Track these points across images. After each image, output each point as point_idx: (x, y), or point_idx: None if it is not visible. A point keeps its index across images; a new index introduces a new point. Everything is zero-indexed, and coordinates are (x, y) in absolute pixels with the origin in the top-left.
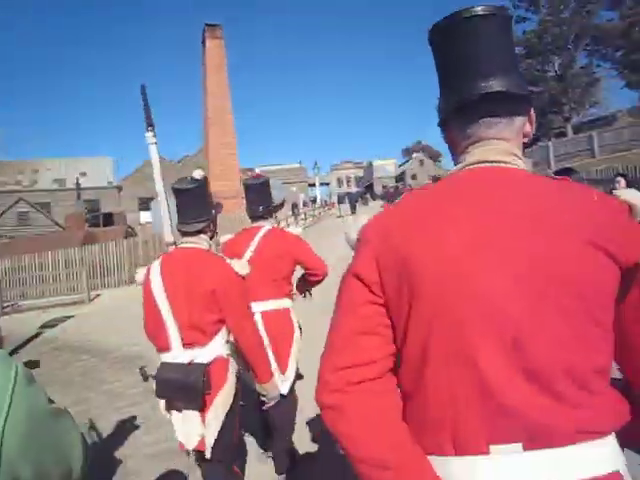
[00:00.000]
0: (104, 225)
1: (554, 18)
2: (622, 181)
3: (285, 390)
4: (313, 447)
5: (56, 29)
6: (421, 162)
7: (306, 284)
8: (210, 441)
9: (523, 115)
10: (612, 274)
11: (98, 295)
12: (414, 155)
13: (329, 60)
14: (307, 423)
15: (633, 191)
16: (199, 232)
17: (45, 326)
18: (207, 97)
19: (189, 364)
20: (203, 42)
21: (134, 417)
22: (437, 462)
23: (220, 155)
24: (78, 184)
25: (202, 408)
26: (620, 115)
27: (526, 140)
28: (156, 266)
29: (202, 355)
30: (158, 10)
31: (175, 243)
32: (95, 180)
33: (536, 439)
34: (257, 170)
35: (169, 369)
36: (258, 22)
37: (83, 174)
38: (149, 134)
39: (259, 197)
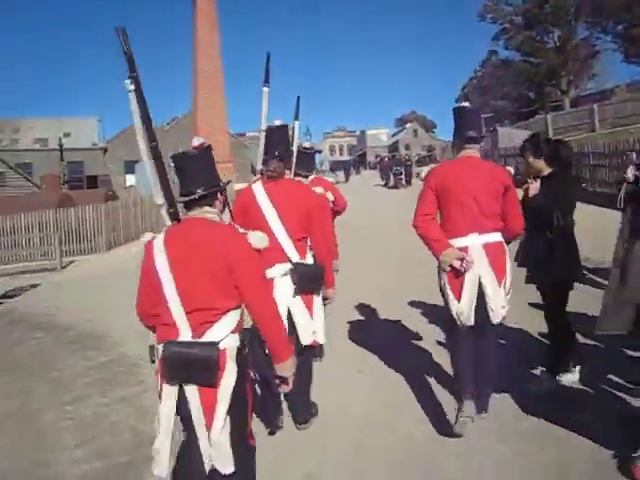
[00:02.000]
0: (88, 188)
1: None
2: (633, 155)
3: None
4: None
5: None
6: (415, 132)
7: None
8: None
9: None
10: (502, 188)
11: (72, 262)
12: (408, 125)
13: (324, 24)
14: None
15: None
16: (207, 203)
17: (5, 296)
18: (197, 56)
19: (199, 342)
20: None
21: (72, 420)
22: (451, 240)
23: (208, 118)
24: (61, 145)
25: (214, 384)
26: (618, 90)
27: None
28: (160, 240)
29: (211, 336)
30: None
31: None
32: (79, 141)
33: (482, 231)
34: (248, 134)
35: (179, 345)
36: None
37: (67, 135)
38: (128, 81)
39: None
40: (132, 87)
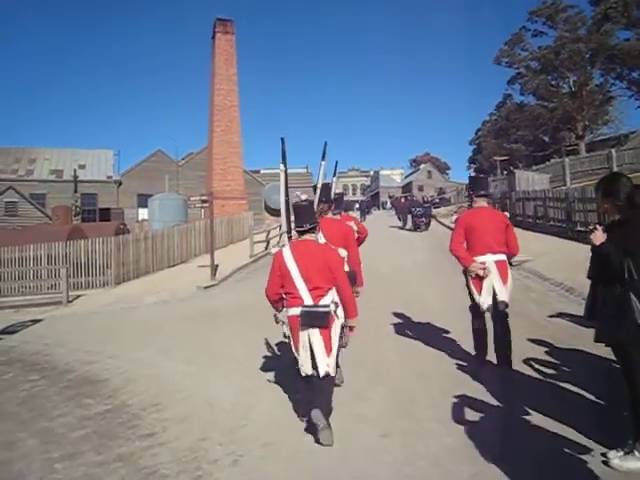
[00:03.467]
0: (100, 220)
1: (571, 35)
2: None
3: (332, 372)
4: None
5: (59, 17)
6: (429, 173)
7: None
8: (332, 361)
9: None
10: (504, 226)
11: (79, 296)
12: (422, 166)
13: (340, 67)
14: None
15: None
16: (312, 231)
17: (5, 331)
18: (214, 93)
19: (318, 306)
20: (213, 37)
21: None
22: (474, 257)
23: (224, 153)
24: (76, 176)
25: (328, 328)
26: (633, 136)
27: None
28: (287, 249)
29: (324, 302)
30: (168, 1)
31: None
32: (94, 173)
33: (493, 253)
34: (261, 171)
35: (308, 309)
36: (270, 23)
37: (82, 166)
38: (281, 165)
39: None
40: (283, 169)
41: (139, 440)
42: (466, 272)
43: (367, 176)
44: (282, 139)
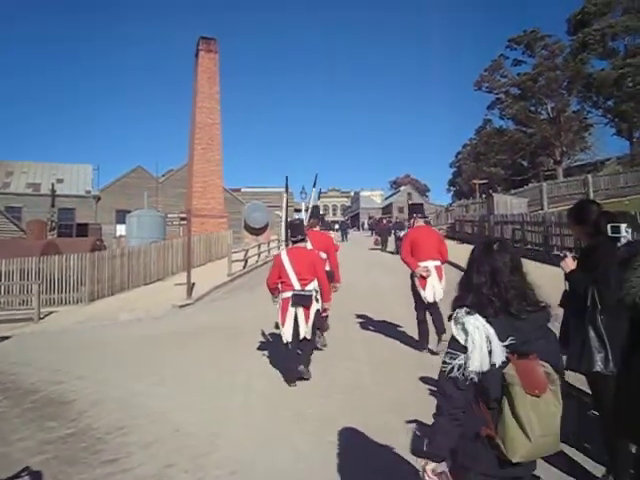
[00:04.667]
0: (77, 236)
1: (549, 62)
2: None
3: (308, 336)
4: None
5: (40, 31)
6: (409, 195)
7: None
8: (309, 331)
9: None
10: (439, 240)
11: (51, 313)
12: (402, 188)
13: (323, 88)
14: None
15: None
16: (303, 241)
17: None
18: (196, 111)
19: (304, 290)
20: (197, 55)
21: None
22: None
23: (204, 171)
24: (53, 190)
25: (309, 307)
26: (609, 162)
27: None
28: (284, 253)
29: (308, 288)
30: (151, 19)
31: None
32: (72, 188)
33: (433, 259)
34: (242, 190)
35: (297, 292)
36: (253, 40)
37: (60, 181)
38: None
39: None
40: (285, 197)
41: (101, 466)
42: (413, 275)
43: (347, 197)
44: (286, 177)
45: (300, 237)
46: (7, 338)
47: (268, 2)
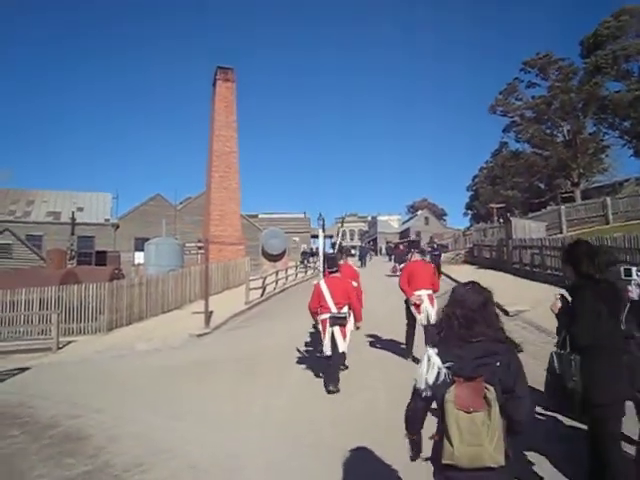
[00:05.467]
0: (96, 264)
1: (563, 86)
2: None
3: (344, 350)
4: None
5: (60, 58)
6: (426, 219)
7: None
8: (346, 345)
9: (421, 253)
10: (432, 272)
11: (70, 342)
12: (419, 212)
13: (339, 112)
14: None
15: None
16: (337, 271)
17: None
18: (213, 139)
19: (340, 313)
20: (214, 84)
21: None
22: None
23: (221, 199)
24: (73, 219)
25: (345, 325)
26: (628, 184)
27: None
28: (322, 281)
29: (343, 311)
30: (170, 48)
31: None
32: (92, 216)
33: (426, 289)
34: (259, 216)
35: (334, 315)
36: (270, 66)
37: (80, 209)
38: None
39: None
40: (322, 233)
41: None
42: (408, 301)
43: (365, 221)
44: (323, 220)
45: (335, 269)
46: (26, 369)
47: (285, 25)
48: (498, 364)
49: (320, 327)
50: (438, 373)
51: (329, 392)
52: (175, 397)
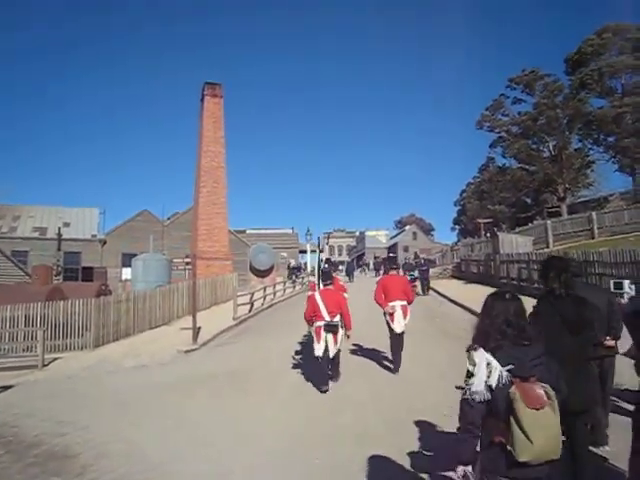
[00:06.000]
0: (83, 280)
1: (548, 102)
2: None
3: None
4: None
5: (47, 71)
6: (414, 234)
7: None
8: (335, 350)
9: (397, 268)
10: (405, 285)
11: (55, 359)
12: (407, 227)
13: (326, 128)
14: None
15: None
16: (331, 284)
17: None
18: (201, 155)
19: (332, 321)
20: (202, 99)
21: None
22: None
23: (209, 214)
24: (60, 234)
25: (336, 333)
26: (613, 198)
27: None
28: (317, 293)
29: (335, 319)
30: (158, 63)
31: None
32: (78, 231)
33: (400, 300)
34: (247, 231)
35: (328, 322)
36: (255, 79)
37: (67, 224)
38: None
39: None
40: (316, 249)
41: None
42: (384, 312)
43: (353, 237)
44: (319, 240)
45: (329, 282)
46: (10, 387)
47: (270, 42)
48: (543, 364)
49: (314, 333)
50: (500, 376)
51: (322, 392)
52: (163, 413)
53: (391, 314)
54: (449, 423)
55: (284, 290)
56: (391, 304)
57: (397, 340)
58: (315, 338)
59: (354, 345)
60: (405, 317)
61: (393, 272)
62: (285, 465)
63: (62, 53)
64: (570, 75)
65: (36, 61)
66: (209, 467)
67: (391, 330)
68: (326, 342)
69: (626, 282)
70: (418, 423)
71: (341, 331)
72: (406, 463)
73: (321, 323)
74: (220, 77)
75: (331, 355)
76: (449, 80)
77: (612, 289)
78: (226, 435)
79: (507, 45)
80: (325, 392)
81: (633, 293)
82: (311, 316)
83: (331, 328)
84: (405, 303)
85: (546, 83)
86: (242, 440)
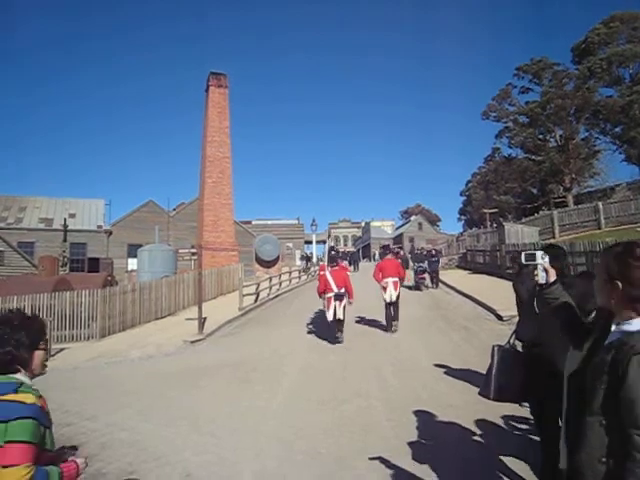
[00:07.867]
0: (89, 271)
1: (556, 91)
2: None
3: (342, 317)
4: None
5: (51, 64)
6: (420, 225)
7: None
8: (343, 313)
9: (391, 253)
10: (398, 265)
11: (62, 350)
12: (413, 218)
13: (333, 119)
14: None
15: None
16: (337, 265)
17: None
18: (206, 145)
19: (339, 292)
20: (207, 90)
21: None
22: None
23: (215, 204)
24: (66, 225)
25: (342, 300)
26: (619, 188)
27: None
28: (327, 272)
29: (342, 291)
30: (164, 53)
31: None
32: (84, 222)
33: (393, 277)
34: (253, 222)
35: (337, 293)
36: (263, 71)
37: (72, 215)
38: (329, 239)
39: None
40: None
41: None
42: (381, 287)
43: (358, 227)
44: (329, 235)
45: (335, 264)
46: None
47: (277, 32)
48: None
49: (325, 302)
50: None
51: (337, 343)
52: (169, 403)
53: (384, 288)
54: (452, 414)
55: (290, 280)
56: (385, 280)
57: (389, 308)
58: (326, 306)
59: (358, 317)
60: (396, 290)
61: (389, 257)
62: (290, 454)
63: (67, 46)
64: (577, 64)
65: (45, 54)
66: (214, 457)
67: (384, 300)
68: (335, 308)
69: (539, 253)
70: (421, 412)
71: (345, 299)
72: (408, 453)
73: (331, 294)
74: (226, 69)
75: (339, 316)
76: (454, 70)
77: (524, 261)
78: (231, 425)
79: (512, 36)
80: (340, 343)
81: (547, 265)
82: (323, 290)
83: (339, 297)
84: (397, 279)
85: (555, 72)
86: (248, 430)
